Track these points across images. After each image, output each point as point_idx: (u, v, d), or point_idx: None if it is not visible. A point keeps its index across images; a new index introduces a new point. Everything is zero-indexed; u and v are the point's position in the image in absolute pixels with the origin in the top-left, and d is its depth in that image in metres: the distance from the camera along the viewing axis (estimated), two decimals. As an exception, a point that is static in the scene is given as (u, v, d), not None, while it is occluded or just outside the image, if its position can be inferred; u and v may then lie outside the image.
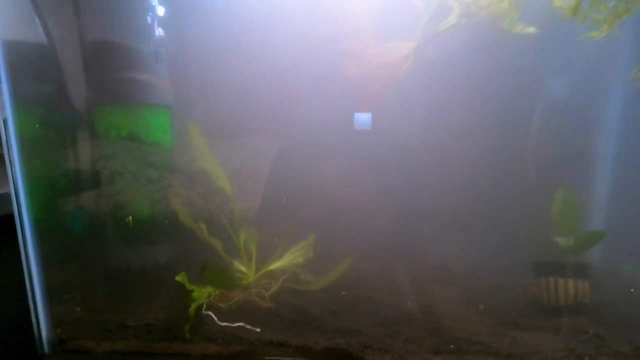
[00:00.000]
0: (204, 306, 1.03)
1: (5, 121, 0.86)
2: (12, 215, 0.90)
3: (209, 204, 1.21)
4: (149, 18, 1.19)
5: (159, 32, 1.20)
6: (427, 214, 1.41)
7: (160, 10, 1.20)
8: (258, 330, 0.98)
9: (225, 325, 0.99)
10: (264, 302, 1.11)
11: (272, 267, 1.18)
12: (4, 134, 0.87)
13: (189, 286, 0.95)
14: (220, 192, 1.20)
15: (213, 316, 1.00)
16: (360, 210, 1.37)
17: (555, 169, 1.29)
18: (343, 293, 1.24)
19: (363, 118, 1.39)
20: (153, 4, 1.20)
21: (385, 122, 1.27)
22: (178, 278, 0.93)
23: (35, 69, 1.07)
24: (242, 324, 0.98)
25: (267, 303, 1.11)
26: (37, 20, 1.05)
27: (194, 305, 0.96)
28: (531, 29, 1.08)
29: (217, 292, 1.12)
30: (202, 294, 1.00)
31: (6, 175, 0.89)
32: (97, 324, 0.99)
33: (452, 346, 0.97)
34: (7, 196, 0.90)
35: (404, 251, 1.42)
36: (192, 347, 0.93)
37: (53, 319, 0.95)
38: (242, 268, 1.16)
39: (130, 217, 1.15)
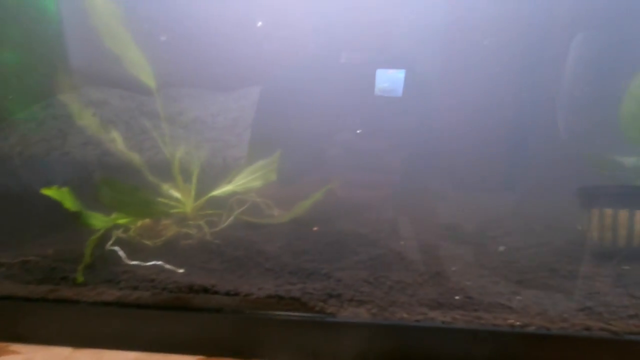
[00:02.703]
0: (112, 240, 0.75)
1: None
2: None
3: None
4: None
5: None
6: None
7: None
8: (181, 271, 0.69)
9: (135, 265, 0.70)
10: (203, 238, 0.83)
11: (216, 192, 0.88)
12: None
13: (70, 204, 0.65)
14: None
15: (121, 253, 0.72)
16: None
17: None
18: (315, 229, 0.95)
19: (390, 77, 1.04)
20: None
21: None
22: (46, 191, 0.62)
23: None
24: (158, 262, 0.70)
25: (208, 239, 0.82)
26: None
27: (92, 239, 0.67)
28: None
29: (139, 224, 0.83)
30: (103, 222, 0.71)
31: None
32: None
33: (457, 298, 0.67)
34: None
35: (402, 178, 1.12)
36: (84, 292, 0.65)
37: None
38: (176, 194, 0.86)
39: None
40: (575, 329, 0.60)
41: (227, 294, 0.63)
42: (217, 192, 0.88)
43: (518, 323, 0.61)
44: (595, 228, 0.76)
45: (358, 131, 1.18)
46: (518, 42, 1.14)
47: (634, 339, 0.58)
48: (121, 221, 0.76)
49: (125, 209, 0.72)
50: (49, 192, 0.62)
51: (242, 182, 0.89)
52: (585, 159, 0.83)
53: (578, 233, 0.83)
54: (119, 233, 0.77)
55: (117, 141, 0.80)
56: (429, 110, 1.16)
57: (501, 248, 0.84)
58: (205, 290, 0.63)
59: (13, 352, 0.62)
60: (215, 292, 0.63)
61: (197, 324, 0.63)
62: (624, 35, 1.06)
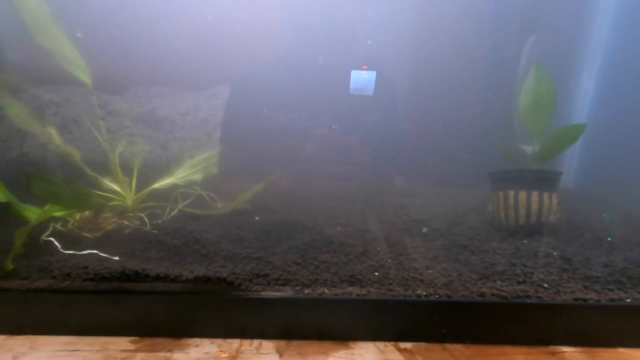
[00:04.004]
0: (48, 232, 0.77)
1: None
2: None
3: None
4: None
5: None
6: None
7: None
8: (116, 258, 0.72)
9: (70, 254, 0.73)
10: (142, 229, 0.86)
11: (157, 185, 0.91)
12: None
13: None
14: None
15: (56, 243, 0.74)
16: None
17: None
18: (257, 218, 1.00)
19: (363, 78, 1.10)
20: None
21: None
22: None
23: None
24: (93, 251, 0.73)
25: (147, 230, 0.85)
26: None
27: (21, 230, 0.68)
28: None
29: (79, 217, 0.85)
30: (37, 214, 0.73)
31: None
32: None
33: (376, 274, 0.74)
34: None
35: (346, 172, 1.18)
36: (17, 281, 0.67)
37: None
38: (116, 187, 0.89)
39: None
40: (472, 296, 0.68)
41: (157, 277, 0.66)
42: (157, 185, 0.90)
43: (424, 293, 0.69)
44: (501, 208, 0.86)
45: (334, 126, 1.22)
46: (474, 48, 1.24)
47: (520, 302, 0.67)
48: (57, 214, 0.78)
49: (58, 201, 0.74)
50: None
51: (183, 174, 0.93)
52: (498, 149, 0.93)
53: (490, 214, 0.92)
54: (58, 225, 0.79)
55: (53, 136, 0.81)
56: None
57: (424, 230, 0.92)
58: (137, 274, 0.66)
59: (-58, 343, 0.63)
60: (147, 276, 0.66)
61: (129, 307, 0.66)
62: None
